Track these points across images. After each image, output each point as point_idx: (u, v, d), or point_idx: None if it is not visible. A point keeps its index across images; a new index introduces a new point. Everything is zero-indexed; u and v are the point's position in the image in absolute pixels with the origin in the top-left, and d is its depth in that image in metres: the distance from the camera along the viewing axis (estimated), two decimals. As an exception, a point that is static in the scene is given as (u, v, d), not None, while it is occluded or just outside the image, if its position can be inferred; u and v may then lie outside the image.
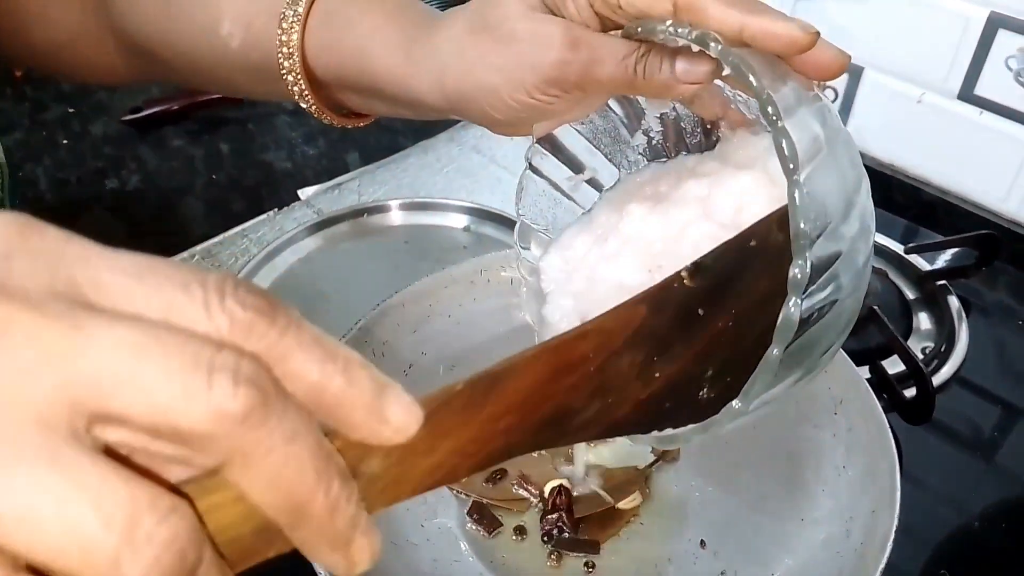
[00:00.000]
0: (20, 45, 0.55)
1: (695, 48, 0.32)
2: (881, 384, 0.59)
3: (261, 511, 0.20)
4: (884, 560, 0.38)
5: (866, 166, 0.82)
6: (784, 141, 0.28)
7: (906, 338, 0.64)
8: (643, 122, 0.41)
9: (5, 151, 0.95)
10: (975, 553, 0.54)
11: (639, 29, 0.34)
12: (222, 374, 0.18)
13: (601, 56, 0.34)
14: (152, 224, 0.86)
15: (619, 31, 0.36)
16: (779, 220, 0.31)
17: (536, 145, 0.40)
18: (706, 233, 0.35)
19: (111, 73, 0.57)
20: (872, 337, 0.62)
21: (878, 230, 0.75)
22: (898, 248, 0.73)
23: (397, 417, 0.21)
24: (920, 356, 0.62)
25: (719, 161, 0.38)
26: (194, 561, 0.18)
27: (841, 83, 0.87)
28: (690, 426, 0.32)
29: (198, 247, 0.80)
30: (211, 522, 0.19)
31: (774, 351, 0.28)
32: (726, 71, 0.31)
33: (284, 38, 0.43)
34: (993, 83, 0.76)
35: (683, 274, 0.31)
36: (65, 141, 0.97)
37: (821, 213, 0.28)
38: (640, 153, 0.42)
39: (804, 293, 0.28)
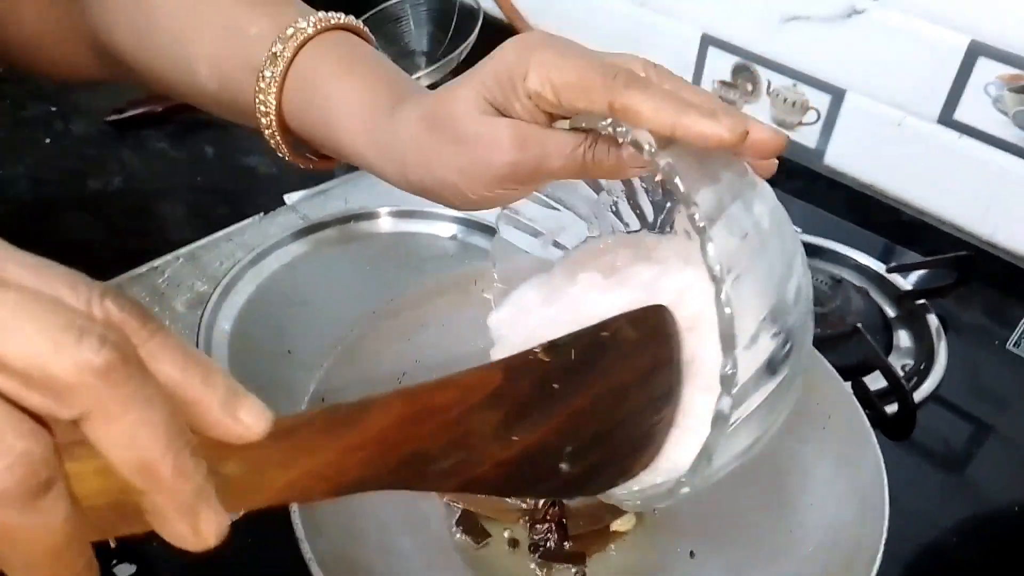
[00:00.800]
0: None
1: (635, 141, 0.33)
2: (863, 400, 0.59)
3: (117, 483, 0.22)
4: (874, 572, 0.39)
5: (846, 187, 0.84)
6: (707, 248, 0.30)
7: (887, 355, 0.66)
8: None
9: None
10: (950, 569, 0.55)
11: (583, 123, 0.35)
12: (91, 335, 0.21)
13: (549, 152, 0.36)
14: (133, 226, 0.85)
15: (566, 122, 0.37)
16: (629, 319, 0.36)
17: (500, 218, 0.43)
18: None
19: (88, 72, 0.57)
20: (855, 354, 0.63)
21: (859, 249, 0.78)
22: (879, 268, 0.75)
23: (248, 416, 0.24)
24: (901, 373, 0.64)
25: (672, 250, 0.40)
26: (46, 481, 0.21)
27: (823, 104, 0.88)
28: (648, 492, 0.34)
29: (182, 250, 0.80)
30: (70, 489, 0.22)
31: (709, 437, 0.30)
32: (658, 177, 0.32)
33: (262, 97, 0.44)
34: (972, 109, 0.78)
35: (537, 350, 0.33)
36: (47, 140, 0.96)
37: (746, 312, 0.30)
38: (609, 208, 0.43)
39: (733, 388, 0.29)
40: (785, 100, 0.91)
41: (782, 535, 0.46)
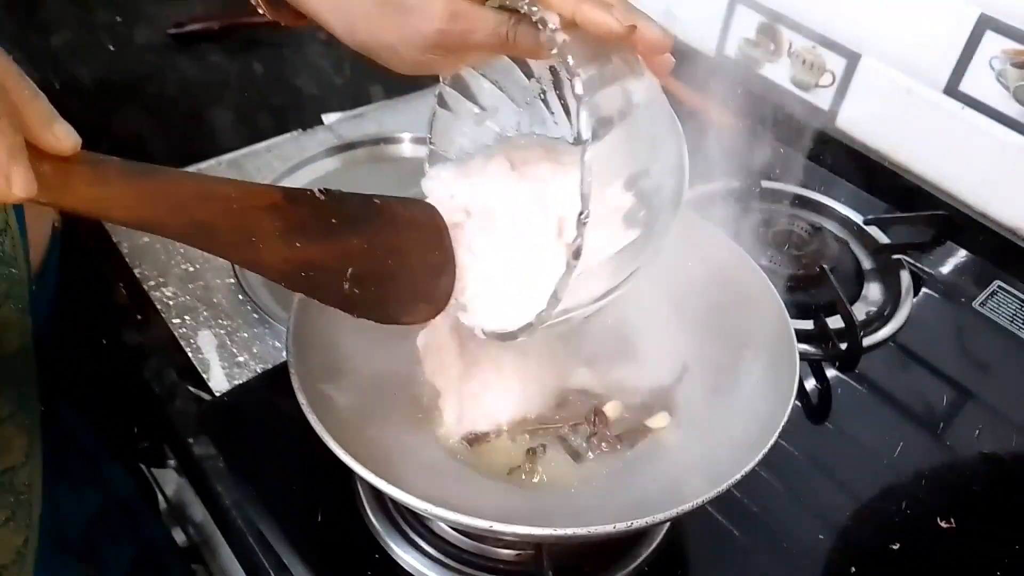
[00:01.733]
0: None
1: (550, 26, 0.39)
2: (821, 335, 0.66)
3: None
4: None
5: (853, 148, 0.87)
6: (582, 114, 0.36)
7: (853, 302, 0.71)
8: (534, 68, 0.48)
9: (52, 50, 1.02)
10: (889, 490, 0.61)
11: (507, 2, 0.41)
12: None
13: (476, 26, 0.41)
14: (184, 130, 0.92)
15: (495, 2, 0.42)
16: (404, 203, 0.47)
17: (444, 85, 0.48)
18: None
19: None
20: (824, 295, 0.69)
21: (851, 205, 0.82)
22: (858, 219, 0.80)
23: (59, 133, 0.32)
24: (862, 318, 0.69)
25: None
26: None
27: (839, 68, 0.92)
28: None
29: (225, 156, 0.87)
30: None
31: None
32: (553, 51, 0.38)
33: None
34: (977, 81, 0.81)
35: (316, 190, 0.42)
36: (111, 47, 1.04)
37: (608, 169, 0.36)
38: (538, 96, 0.49)
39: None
40: (804, 61, 0.95)
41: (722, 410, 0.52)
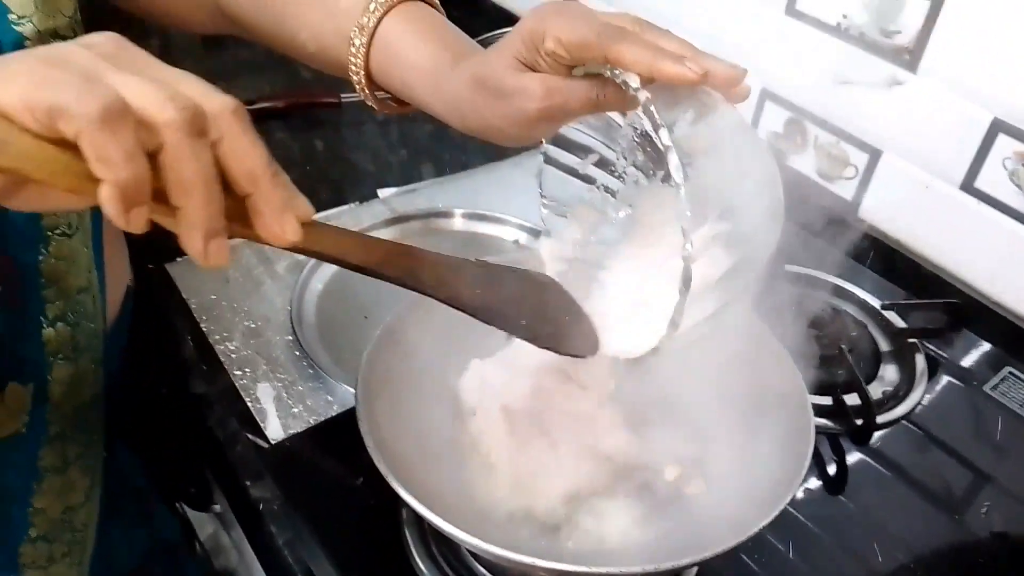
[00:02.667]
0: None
1: (632, 85, 0.44)
2: (838, 411, 0.70)
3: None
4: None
5: (873, 237, 0.93)
6: (671, 161, 0.41)
7: (869, 381, 0.76)
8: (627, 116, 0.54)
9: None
10: (898, 563, 0.65)
11: (593, 71, 0.46)
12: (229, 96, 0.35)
13: (571, 97, 0.46)
14: (251, 200, 1.00)
15: (582, 69, 0.47)
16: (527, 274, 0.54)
17: (546, 145, 0.53)
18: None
19: (204, 28, 0.70)
20: (839, 374, 0.74)
21: (871, 291, 0.87)
22: (876, 304, 0.85)
23: (304, 203, 0.38)
24: (878, 397, 0.74)
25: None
26: (201, 128, 0.33)
27: (862, 162, 0.98)
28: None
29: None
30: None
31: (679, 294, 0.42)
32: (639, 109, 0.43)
33: (353, 60, 0.55)
34: (991, 179, 0.87)
35: (475, 260, 0.50)
36: (186, 120, 1.13)
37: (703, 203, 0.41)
38: (632, 139, 0.55)
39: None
40: (829, 155, 1.01)
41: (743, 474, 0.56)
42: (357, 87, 0.57)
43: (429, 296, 0.47)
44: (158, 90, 0.32)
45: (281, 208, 0.36)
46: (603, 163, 0.56)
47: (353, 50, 0.55)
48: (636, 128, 0.54)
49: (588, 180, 0.56)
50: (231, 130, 0.34)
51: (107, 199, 0.32)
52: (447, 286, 0.47)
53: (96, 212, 0.58)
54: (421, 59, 0.53)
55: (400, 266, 0.45)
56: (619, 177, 0.56)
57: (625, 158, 0.55)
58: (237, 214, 0.36)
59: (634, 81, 0.43)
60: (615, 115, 0.54)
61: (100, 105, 0.31)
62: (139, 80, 0.33)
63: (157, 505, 0.85)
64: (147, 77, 0.33)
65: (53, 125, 0.31)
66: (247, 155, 0.35)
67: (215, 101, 0.34)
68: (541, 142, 0.53)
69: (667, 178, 0.47)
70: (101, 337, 0.65)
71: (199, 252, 0.34)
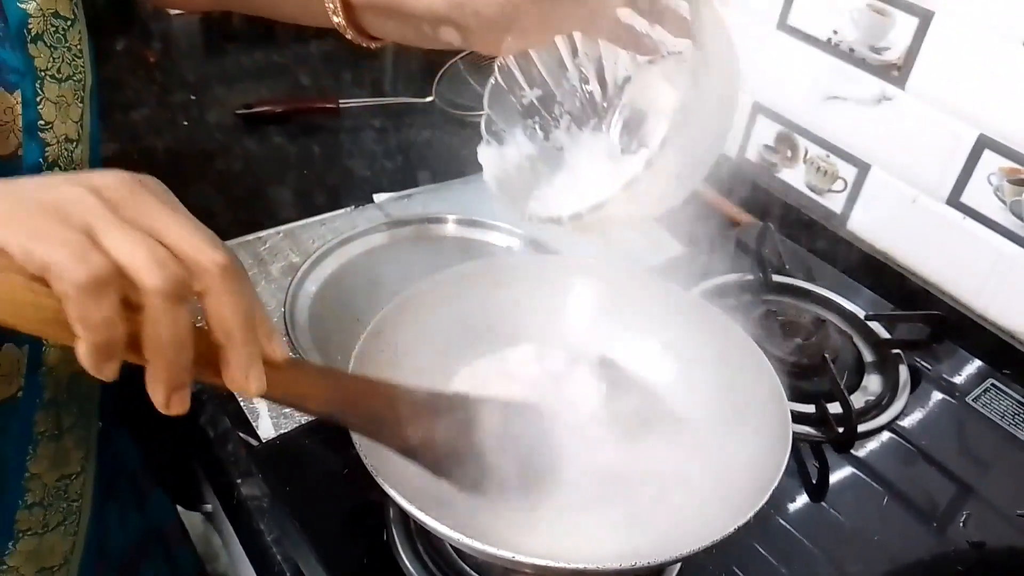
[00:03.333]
0: None
1: None
2: (820, 419, 0.72)
3: (206, 340, 0.38)
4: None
5: (861, 250, 0.95)
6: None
7: (852, 391, 0.77)
8: (578, 58, 0.56)
9: (132, 123, 1.12)
10: (876, 570, 0.66)
11: None
12: (228, 250, 0.38)
13: None
14: (247, 202, 1.01)
15: None
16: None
17: (504, 60, 0.55)
18: None
19: (199, 4, 0.71)
20: (823, 383, 0.75)
21: (857, 303, 0.88)
22: (861, 315, 0.87)
23: (279, 347, 0.41)
24: (861, 406, 0.75)
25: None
26: (183, 295, 0.36)
27: (851, 176, 0.99)
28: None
29: (283, 227, 0.95)
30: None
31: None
32: None
33: None
34: (976, 194, 0.88)
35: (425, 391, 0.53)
36: (185, 123, 1.14)
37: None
38: (573, 84, 0.57)
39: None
40: (818, 168, 1.02)
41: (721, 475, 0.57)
42: (330, 9, 0.58)
43: (386, 447, 0.49)
44: (150, 251, 0.35)
45: (247, 363, 0.39)
46: (547, 101, 0.58)
47: None
48: (582, 73, 0.57)
49: (530, 113, 0.58)
50: (216, 288, 0.37)
51: (82, 354, 0.35)
52: (408, 440, 0.49)
53: None
54: None
55: (364, 414, 0.47)
56: (555, 119, 0.59)
57: (562, 105, 0.58)
58: (209, 357, 0.38)
59: None
60: (565, 55, 0.56)
61: (89, 274, 0.34)
62: (134, 239, 0.35)
63: (152, 490, 0.86)
64: (146, 232, 0.36)
65: (44, 278, 0.34)
66: (226, 313, 0.38)
67: (208, 257, 0.37)
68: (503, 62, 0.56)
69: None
70: None
71: (160, 404, 0.37)
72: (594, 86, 0.57)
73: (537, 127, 0.58)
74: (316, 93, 1.24)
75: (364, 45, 0.61)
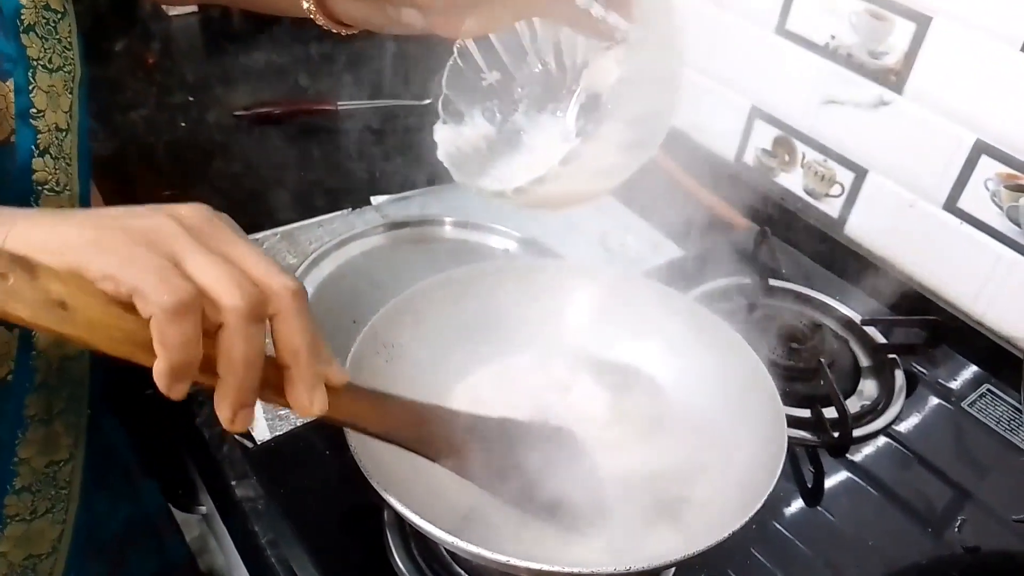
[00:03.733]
0: None
1: None
2: (816, 424, 0.72)
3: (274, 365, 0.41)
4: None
5: (858, 254, 0.95)
6: None
7: (848, 395, 0.77)
8: (537, 42, 0.57)
9: (131, 123, 1.13)
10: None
11: None
12: (293, 276, 0.40)
13: None
14: (245, 203, 1.01)
15: None
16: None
17: (463, 43, 0.56)
18: None
19: None
20: (819, 388, 0.75)
21: (854, 308, 0.88)
22: (856, 318, 0.87)
23: (338, 372, 0.44)
24: (856, 410, 0.75)
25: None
26: (260, 315, 0.38)
27: (848, 180, 0.99)
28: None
29: (281, 228, 0.96)
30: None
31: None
32: None
33: None
34: (973, 200, 0.88)
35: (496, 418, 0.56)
36: (183, 124, 1.14)
37: None
38: (532, 68, 0.57)
39: None
40: (816, 172, 1.03)
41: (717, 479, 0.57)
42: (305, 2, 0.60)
43: (437, 463, 0.51)
44: (230, 274, 0.38)
45: (312, 385, 0.41)
46: (506, 84, 0.59)
47: None
48: (540, 57, 0.57)
49: (489, 95, 0.59)
50: (287, 310, 0.39)
51: (159, 374, 0.37)
52: (457, 458, 0.52)
53: (84, 178, 0.62)
54: None
55: (416, 438, 0.50)
56: (515, 103, 0.59)
57: (521, 89, 0.58)
58: (273, 380, 0.40)
59: None
60: (525, 39, 0.57)
61: (176, 299, 0.36)
62: (216, 263, 0.38)
63: (143, 481, 0.86)
64: (224, 258, 0.38)
65: (130, 301, 0.36)
66: (295, 335, 0.40)
67: (280, 282, 0.39)
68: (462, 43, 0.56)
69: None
70: None
71: (227, 420, 0.39)
72: (553, 70, 0.58)
73: (496, 109, 0.59)
74: (314, 95, 1.24)
75: (335, 31, 0.62)
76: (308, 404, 0.41)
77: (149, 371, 0.37)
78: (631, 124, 0.48)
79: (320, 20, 0.61)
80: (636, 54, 0.46)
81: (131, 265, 0.36)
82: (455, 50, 0.57)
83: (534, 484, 0.54)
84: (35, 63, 0.54)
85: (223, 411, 0.39)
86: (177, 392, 0.37)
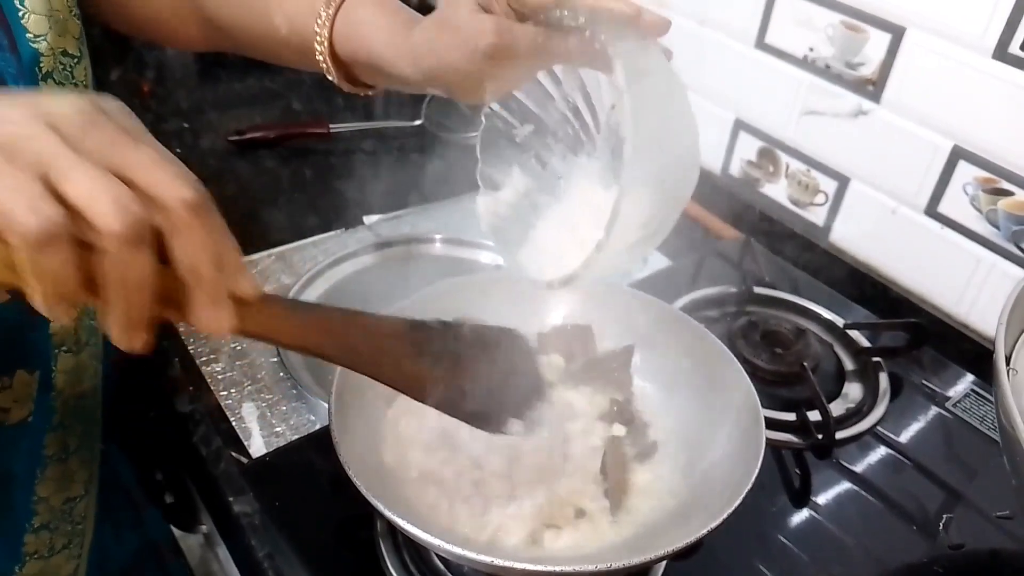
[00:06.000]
0: (121, 19, 0.71)
1: (574, 24, 0.49)
2: (801, 427, 0.73)
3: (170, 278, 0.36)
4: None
5: (843, 261, 0.96)
6: (618, 68, 0.45)
7: (833, 398, 0.78)
8: (562, 87, 0.58)
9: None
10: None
11: (541, 16, 0.51)
12: (194, 181, 0.37)
13: (518, 37, 0.50)
14: (240, 225, 1.00)
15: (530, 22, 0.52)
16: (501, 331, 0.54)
17: (491, 108, 0.58)
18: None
19: (190, 43, 0.73)
20: (803, 391, 0.76)
21: (839, 313, 0.90)
22: (839, 322, 0.88)
23: (249, 283, 0.39)
24: (841, 413, 0.76)
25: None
26: (141, 236, 0.34)
27: (831, 189, 1.01)
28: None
29: (275, 249, 0.97)
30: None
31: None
32: (587, 32, 0.48)
33: (319, 31, 0.60)
34: (953, 204, 0.90)
35: (438, 320, 0.51)
36: (178, 150, 1.16)
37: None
38: (563, 113, 0.59)
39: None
40: (800, 182, 1.04)
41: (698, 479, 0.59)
42: (319, 59, 0.62)
43: (367, 376, 0.48)
44: (109, 191, 0.33)
45: (215, 301, 0.38)
46: (540, 133, 0.60)
47: (320, 22, 0.60)
48: (568, 102, 0.59)
49: (525, 148, 0.60)
50: (181, 224, 0.35)
51: (37, 303, 0.34)
52: (385, 369, 0.48)
53: None
54: (381, 19, 0.58)
55: (340, 347, 0.46)
56: (550, 149, 0.60)
57: (555, 135, 0.60)
58: (175, 296, 0.37)
59: (578, 17, 0.48)
60: (549, 86, 0.59)
61: (41, 227, 0.32)
62: (92, 178, 0.33)
63: (147, 507, 0.87)
64: (107, 167, 0.34)
65: None
66: (192, 251, 0.36)
67: (173, 193, 0.35)
68: (489, 108, 0.58)
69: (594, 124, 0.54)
70: (100, 335, 0.68)
71: (117, 340, 0.36)
72: (583, 109, 0.59)
73: (535, 159, 0.60)
74: (308, 118, 1.26)
75: (359, 93, 0.65)
76: (211, 321, 0.38)
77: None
78: (653, 177, 0.48)
79: (345, 87, 0.63)
80: (638, 112, 0.46)
81: None
82: (483, 117, 0.58)
83: (484, 391, 0.52)
84: None
85: (113, 332, 0.36)
86: (61, 315, 0.35)
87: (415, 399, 0.50)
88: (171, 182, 0.35)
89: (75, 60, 0.58)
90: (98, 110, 0.35)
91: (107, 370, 0.71)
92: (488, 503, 0.56)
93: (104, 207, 0.33)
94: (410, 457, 0.59)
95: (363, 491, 0.50)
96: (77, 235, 0.33)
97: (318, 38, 0.61)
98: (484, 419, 0.52)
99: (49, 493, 0.64)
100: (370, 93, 0.66)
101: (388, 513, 0.49)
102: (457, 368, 0.51)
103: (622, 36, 0.48)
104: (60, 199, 0.33)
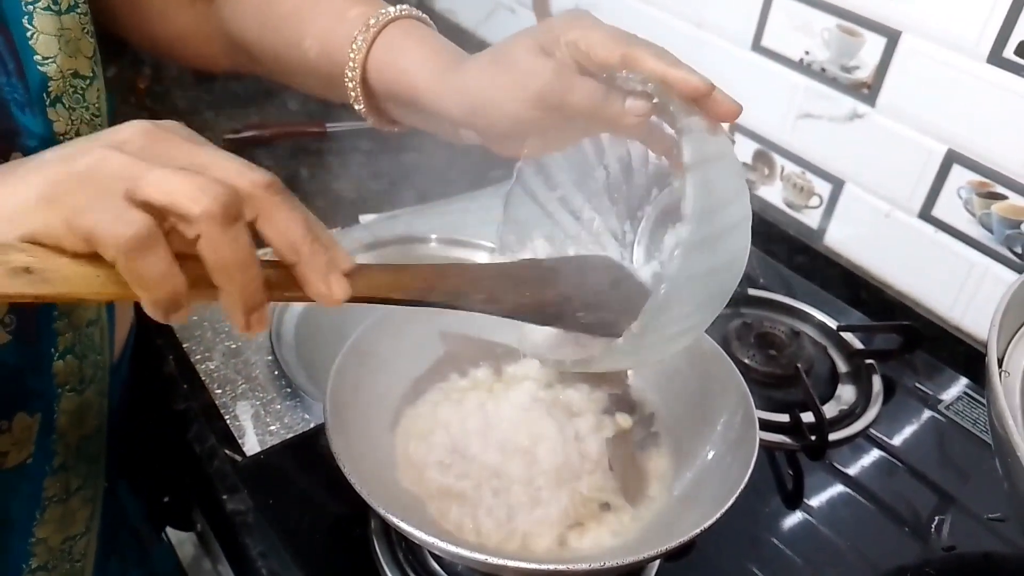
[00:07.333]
0: (144, 37, 0.69)
1: (639, 88, 0.46)
2: (795, 428, 0.73)
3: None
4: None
5: (838, 264, 0.96)
6: (686, 147, 0.42)
7: (826, 400, 0.79)
8: (604, 158, 0.56)
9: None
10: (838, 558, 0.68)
11: (604, 76, 0.48)
12: (263, 171, 0.37)
13: (576, 87, 0.47)
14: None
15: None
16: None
17: (523, 163, 0.55)
18: None
19: (214, 64, 0.72)
20: (796, 393, 0.77)
21: (833, 316, 0.90)
22: (833, 325, 0.89)
23: (345, 256, 0.41)
24: (834, 415, 0.77)
25: None
26: (236, 214, 0.35)
27: (826, 192, 1.01)
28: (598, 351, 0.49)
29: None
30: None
31: (661, 290, 0.42)
32: (655, 100, 0.45)
33: (353, 56, 0.56)
34: (947, 208, 0.90)
35: (524, 262, 0.55)
36: (175, 149, 1.16)
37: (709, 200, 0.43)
38: (601, 185, 0.57)
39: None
40: (795, 185, 1.05)
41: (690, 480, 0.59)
42: (349, 86, 0.58)
43: (480, 312, 0.49)
44: (190, 182, 0.34)
45: (325, 272, 0.39)
46: (568, 202, 0.58)
47: (355, 47, 0.57)
48: (608, 172, 0.56)
49: (551, 215, 0.58)
50: (266, 206, 0.37)
51: (149, 311, 0.36)
52: (496, 301, 0.49)
53: None
54: (427, 55, 0.55)
55: (445, 291, 0.47)
56: (577, 219, 0.59)
57: (587, 205, 0.58)
58: (284, 281, 0.39)
59: (646, 84, 0.45)
60: (591, 155, 0.56)
61: (131, 234, 0.33)
62: (170, 175, 0.34)
63: (154, 544, 0.86)
64: (179, 167, 0.35)
65: (92, 249, 0.34)
66: (286, 229, 0.37)
67: (247, 179, 0.36)
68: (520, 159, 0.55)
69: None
70: (107, 369, 0.66)
71: (241, 326, 0.37)
72: (621, 184, 0.56)
73: (561, 232, 0.58)
74: (304, 117, 1.26)
75: (386, 129, 0.62)
76: (328, 292, 0.39)
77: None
78: (703, 273, 0.44)
79: (371, 121, 0.61)
80: (699, 198, 0.42)
81: (81, 213, 0.34)
82: (515, 173, 0.55)
83: (595, 303, 0.53)
84: (61, 138, 0.53)
85: (235, 318, 0.37)
86: (177, 320, 0.36)
87: (536, 324, 0.52)
88: (244, 171, 0.36)
89: (87, 81, 0.55)
90: (158, 127, 0.37)
91: (113, 404, 0.69)
92: (512, 511, 0.55)
93: (188, 194, 0.34)
94: (426, 477, 0.58)
95: (356, 485, 0.50)
96: (168, 230, 0.35)
97: (350, 63, 0.57)
98: (603, 327, 0.53)
99: (48, 534, 0.62)
100: (396, 130, 0.63)
101: (382, 511, 0.49)
102: (563, 288, 0.52)
103: (689, 112, 0.44)
104: (145, 207, 0.34)
